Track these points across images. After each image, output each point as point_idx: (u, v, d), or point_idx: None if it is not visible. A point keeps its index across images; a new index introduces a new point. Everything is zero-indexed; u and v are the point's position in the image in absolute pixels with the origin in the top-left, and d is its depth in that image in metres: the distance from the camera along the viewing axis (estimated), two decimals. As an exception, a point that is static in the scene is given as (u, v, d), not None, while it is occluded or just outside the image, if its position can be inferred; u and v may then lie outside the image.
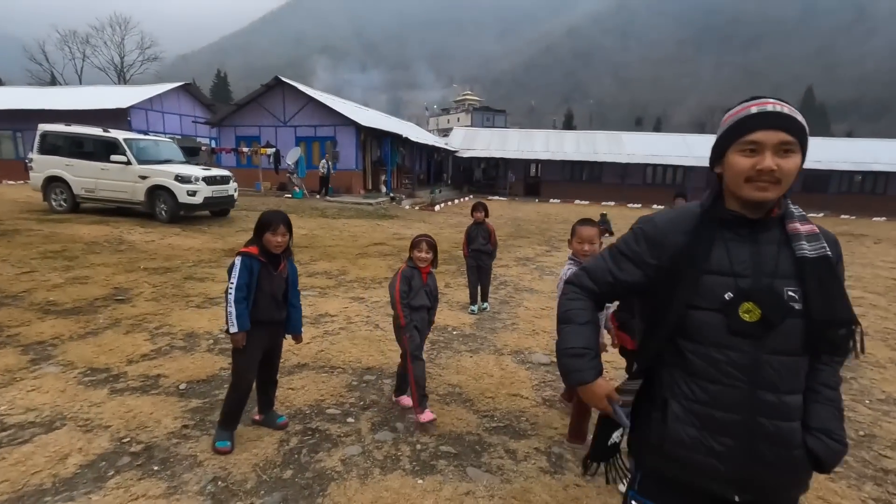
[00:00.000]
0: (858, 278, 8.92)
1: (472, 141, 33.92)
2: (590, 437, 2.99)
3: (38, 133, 11.48)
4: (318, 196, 18.10)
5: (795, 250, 1.21)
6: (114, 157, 10.66)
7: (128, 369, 3.76)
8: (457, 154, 31.75)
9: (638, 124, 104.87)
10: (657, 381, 1.32)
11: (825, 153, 29.08)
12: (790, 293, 1.18)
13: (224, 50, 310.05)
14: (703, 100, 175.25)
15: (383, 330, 4.89)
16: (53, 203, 11.44)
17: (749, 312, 1.17)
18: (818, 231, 1.24)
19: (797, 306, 1.17)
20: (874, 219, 24.91)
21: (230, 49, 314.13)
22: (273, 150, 18.03)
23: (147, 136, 12.81)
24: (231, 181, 11.99)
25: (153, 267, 7.05)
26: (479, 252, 5.64)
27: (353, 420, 3.18)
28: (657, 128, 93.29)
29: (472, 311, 5.68)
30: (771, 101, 1.20)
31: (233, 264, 2.67)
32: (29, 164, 11.70)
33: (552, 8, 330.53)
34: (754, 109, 1.19)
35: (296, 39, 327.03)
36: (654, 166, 30.24)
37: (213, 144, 22.67)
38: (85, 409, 3.15)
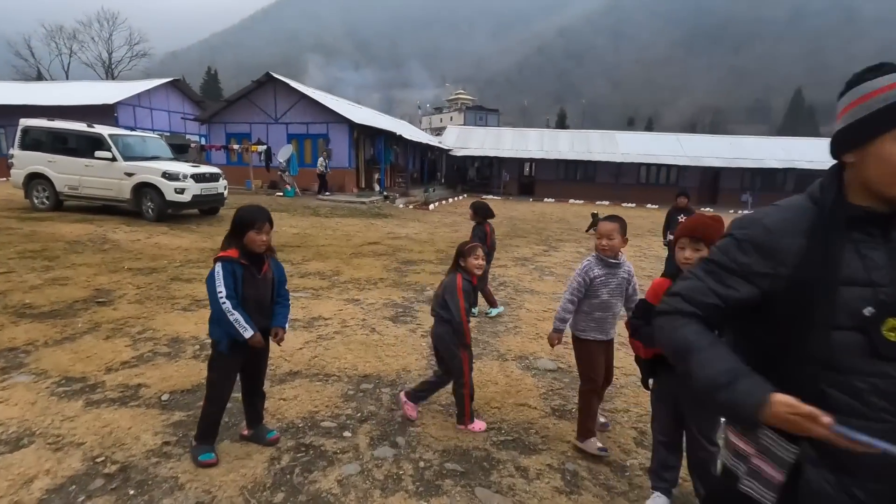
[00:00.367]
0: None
1: (466, 140, 33.70)
2: (596, 443, 2.79)
3: (20, 128, 11.09)
4: (319, 195, 17.84)
5: None
6: (98, 154, 10.31)
7: (106, 378, 3.49)
8: (451, 153, 31.51)
9: (630, 124, 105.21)
10: None
11: (818, 153, 29.21)
12: None
13: (215, 47, 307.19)
14: (694, 100, 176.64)
15: (380, 334, 4.66)
16: (35, 201, 11.06)
17: (895, 330, 0.96)
18: None
19: None
20: (866, 219, 25.00)
21: (221, 46, 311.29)
22: (264, 147, 17.69)
23: (133, 132, 12.43)
24: (221, 179, 11.68)
25: (138, 267, 6.75)
26: None
27: (349, 434, 2.94)
28: (649, 128, 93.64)
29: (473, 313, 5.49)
30: None
31: (212, 272, 2.41)
32: (10, 161, 11.30)
33: (544, 8, 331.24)
34: None
35: (288, 37, 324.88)
36: (648, 166, 30.20)
37: (203, 141, 22.25)
38: (56, 423, 2.88)
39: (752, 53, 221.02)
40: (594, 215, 14.04)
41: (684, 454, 2.35)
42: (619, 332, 3.26)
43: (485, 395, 3.51)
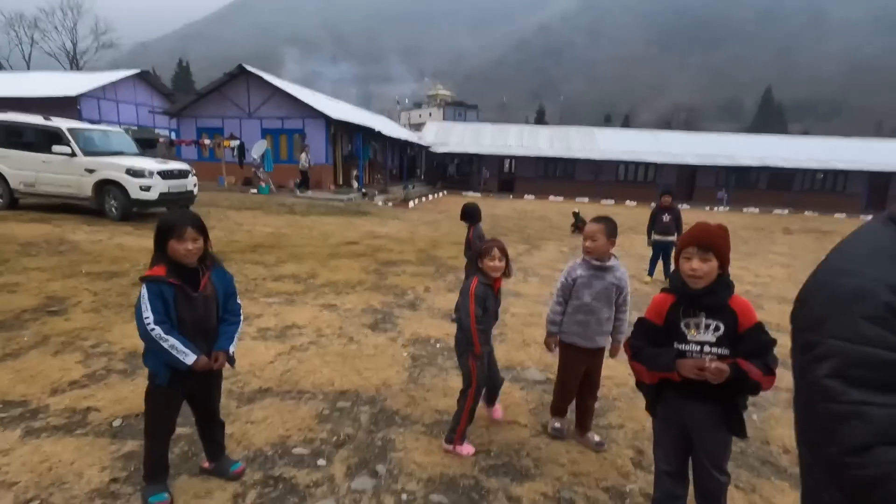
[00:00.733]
0: (838, 277, 8.90)
1: (445, 136, 33.41)
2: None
3: (-30, 121, 10.35)
4: (299, 192, 17.39)
5: None
6: (56, 149, 9.68)
7: (50, 402, 3.13)
8: (430, 149, 31.19)
9: (607, 121, 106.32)
10: None
11: (790, 151, 29.92)
12: None
13: (187, 38, 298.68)
14: (669, 98, 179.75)
15: (358, 344, 4.38)
16: (-13, 199, 10.36)
17: None
18: None
19: None
20: (835, 215, 25.72)
21: (193, 38, 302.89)
22: (237, 142, 17.10)
23: (95, 126, 11.78)
24: (190, 175, 11.14)
25: (97, 271, 6.30)
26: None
27: (324, 462, 2.67)
28: (625, 125, 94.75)
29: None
30: None
31: (140, 297, 2.06)
32: (-40, 156, 10.56)
33: (524, 4, 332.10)
34: None
35: (263, 29, 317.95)
36: (627, 163, 30.45)
37: (173, 136, 21.44)
38: (-14, 459, 2.53)
39: (724, 53, 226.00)
40: (576, 214, 13.97)
41: (690, 483, 2.15)
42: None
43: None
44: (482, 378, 2.79)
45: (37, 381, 3.37)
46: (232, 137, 18.06)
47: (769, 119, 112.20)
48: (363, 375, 3.75)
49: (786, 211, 26.61)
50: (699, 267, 1.84)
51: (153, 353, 2.11)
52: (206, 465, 2.51)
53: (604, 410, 3.38)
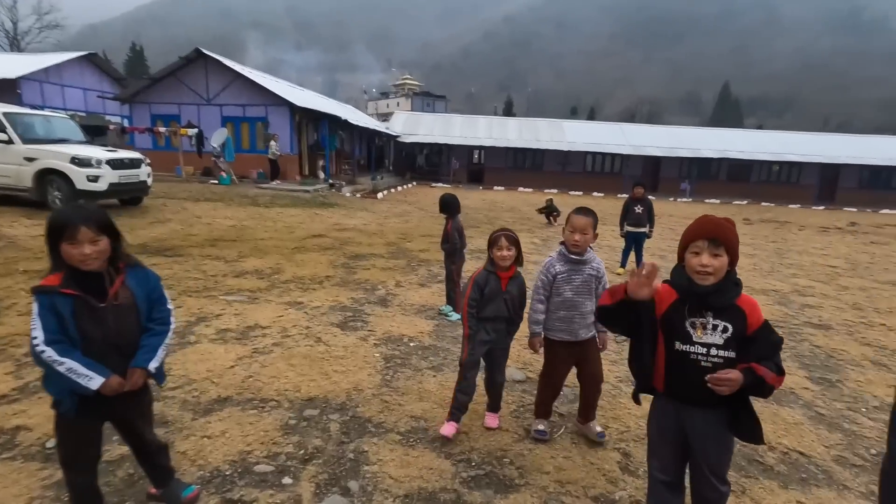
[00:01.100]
0: (800, 266, 9.16)
1: (414, 126, 32.96)
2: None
3: None
4: (270, 182, 16.81)
5: None
6: (-10, 135, 8.89)
7: (-28, 421, 2.75)
8: (399, 139, 30.70)
9: (573, 113, 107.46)
10: None
11: (748, 144, 30.97)
12: None
13: (140, 21, 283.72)
14: (632, 92, 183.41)
15: (326, 345, 4.11)
16: (-88, 189, 9.43)
17: None
18: None
19: None
20: (790, 206, 26.80)
21: (147, 20, 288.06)
22: (195, 130, 16.25)
23: (37, 112, 10.91)
24: (143, 165, 10.47)
25: (36, 269, 5.76)
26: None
27: (290, 480, 2.42)
28: (591, 117, 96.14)
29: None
30: None
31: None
32: None
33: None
34: None
35: (222, 13, 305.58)
36: (594, 154, 30.81)
37: (126, 123, 20.24)
38: None
39: (685, 48, 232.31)
40: (549, 202, 13.85)
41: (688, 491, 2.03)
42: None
43: (449, 417, 3.08)
44: (470, 361, 2.82)
45: (-43, 397, 2.97)
46: (189, 125, 17.18)
47: (726, 113, 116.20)
48: (332, 379, 3.50)
49: (745, 201, 27.54)
50: (710, 263, 1.68)
51: (53, 378, 1.72)
52: (154, 491, 2.23)
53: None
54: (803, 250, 11.19)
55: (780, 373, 1.69)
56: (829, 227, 16.67)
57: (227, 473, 2.44)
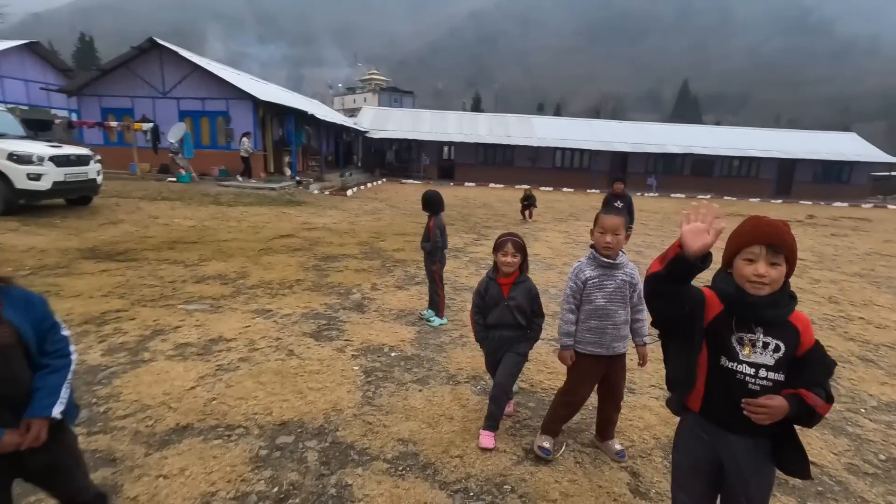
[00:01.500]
0: (771, 260, 9.29)
1: (383, 121, 32.39)
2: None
3: None
4: (239, 179, 16.15)
5: None
6: (-88, 129, 8.01)
7: None
8: (367, 135, 30.07)
9: (540, 110, 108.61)
10: None
11: (710, 140, 31.84)
12: None
13: (89, 10, 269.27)
14: (597, 88, 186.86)
15: (300, 358, 3.75)
16: None
17: None
18: None
19: None
20: (750, 200, 27.69)
21: (97, 10, 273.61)
22: (150, 125, 15.33)
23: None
24: (92, 161, 9.70)
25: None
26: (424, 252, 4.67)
27: (263, 527, 2.08)
28: (557, 113, 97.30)
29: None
30: None
31: None
32: None
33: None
34: None
35: (179, 4, 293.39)
36: (563, 150, 31.02)
37: (75, 117, 18.97)
38: None
39: (646, 46, 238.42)
40: (528, 193, 13.40)
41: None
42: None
43: (439, 438, 2.79)
44: (491, 367, 2.85)
45: None
46: (144, 119, 16.21)
47: (686, 110, 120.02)
48: (307, 399, 3.15)
49: (708, 196, 28.28)
50: (767, 272, 1.44)
51: None
52: (96, 553, 1.84)
53: (588, 424, 3.02)
54: (771, 243, 11.41)
55: (830, 400, 1.47)
56: (790, 220, 17.14)
57: (187, 522, 2.08)
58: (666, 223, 14.41)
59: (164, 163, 16.45)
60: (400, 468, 2.52)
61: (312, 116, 20.49)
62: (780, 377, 1.49)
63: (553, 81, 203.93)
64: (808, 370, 1.48)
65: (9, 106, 15.36)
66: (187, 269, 6.17)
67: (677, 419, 1.65)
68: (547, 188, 27.95)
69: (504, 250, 2.66)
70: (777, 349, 1.48)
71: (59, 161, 8.80)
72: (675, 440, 1.77)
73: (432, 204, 4.53)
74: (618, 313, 2.48)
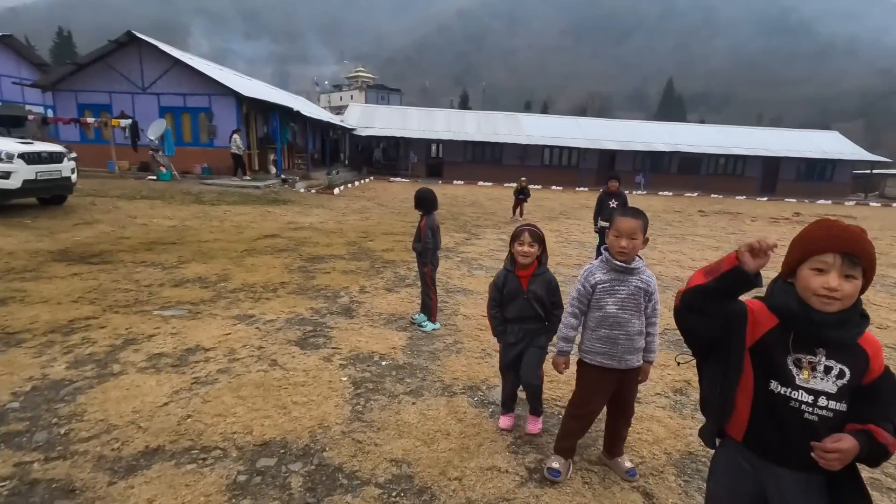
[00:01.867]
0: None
1: (370, 119, 32.02)
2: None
3: None
4: (234, 178, 15.78)
5: None
6: None
7: None
8: (354, 132, 29.69)
9: (527, 108, 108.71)
10: None
11: (697, 138, 32.04)
12: None
13: (69, 4, 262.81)
14: (583, 87, 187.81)
15: (283, 369, 3.50)
16: None
17: None
18: None
19: None
20: (737, 197, 27.92)
21: (77, 4, 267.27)
22: (128, 121, 14.85)
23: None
24: (66, 159, 9.30)
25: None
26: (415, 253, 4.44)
27: (240, 569, 1.85)
28: (544, 112, 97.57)
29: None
30: None
31: None
32: None
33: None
34: None
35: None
36: (552, 148, 30.97)
37: (51, 114, 18.34)
38: None
39: (631, 45, 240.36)
40: (522, 182, 13.08)
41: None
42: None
43: (436, 458, 2.57)
44: (503, 364, 2.79)
45: None
46: (122, 116, 15.70)
47: (671, 108, 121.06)
48: (292, 415, 2.91)
49: (695, 193, 28.46)
50: (840, 286, 1.23)
51: None
52: None
53: (594, 438, 2.83)
54: (762, 241, 11.40)
55: None
56: (778, 218, 17.31)
57: (153, 566, 1.84)
58: (656, 221, 14.34)
59: (144, 160, 15.97)
60: (393, 493, 2.30)
61: (298, 113, 20.09)
62: (843, 407, 1.29)
63: (540, 80, 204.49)
64: (877, 401, 1.28)
65: (-21, 101, 14.75)
66: (165, 272, 5.87)
67: (689, 431, 1.48)
68: (536, 186, 27.83)
69: (521, 240, 2.57)
70: (841, 375, 1.29)
71: (30, 158, 8.41)
72: (711, 467, 1.57)
73: (425, 203, 4.30)
74: (631, 322, 2.28)
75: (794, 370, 1.31)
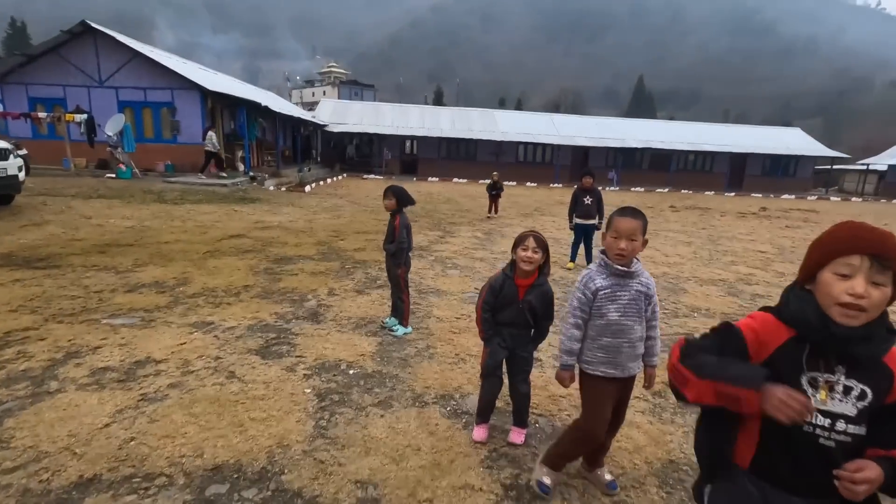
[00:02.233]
0: (734, 253, 9.35)
1: (342, 115, 31.46)
2: None
3: None
4: (201, 175, 15.19)
5: None
6: None
7: None
8: (326, 128, 29.10)
9: (501, 104, 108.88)
10: None
11: (667, 134, 32.61)
12: None
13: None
14: (556, 84, 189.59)
15: (242, 381, 3.25)
16: None
17: None
18: None
19: None
20: (706, 193, 28.53)
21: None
22: (84, 116, 14.10)
23: None
24: (11, 156, 8.72)
25: None
26: (386, 253, 4.21)
27: None
28: (518, 108, 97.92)
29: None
30: None
31: None
32: None
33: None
34: None
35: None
36: (526, 144, 31.03)
37: (0, 108, 17.31)
38: None
39: (603, 43, 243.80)
40: (495, 178, 12.89)
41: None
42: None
43: (405, 477, 2.39)
44: (489, 365, 2.66)
45: None
46: (78, 110, 14.92)
47: (641, 105, 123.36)
48: (249, 433, 2.68)
49: (666, 189, 28.96)
50: (868, 293, 1.08)
51: None
52: None
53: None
54: (732, 236, 11.58)
55: None
56: (745, 213, 17.70)
57: None
58: (629, 217, 14.44)
59: (102, 158, 15.23)
60: (358, 522, 2.10)
61: (267, 108, 19.50)
62: (862, 431, 1.16)
63: (514, 76, 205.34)
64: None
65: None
66: (118, 277, 5.50)
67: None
68: (510, 183, 27.87)
69: (525, 244, 2.44)
70: (862, 396, 1.15)
71: (-30, 155, 7.83)
72: (710, 495, 1.40)
73: (403, 198, 4.07)
74: (633, 329, 2.13)
75: (810, 390, 1.16)
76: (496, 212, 12.99)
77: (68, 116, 14.20)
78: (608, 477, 2.39)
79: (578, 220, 7.07)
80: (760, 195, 28.82)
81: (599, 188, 7.18)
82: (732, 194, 28.89)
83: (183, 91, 16.45)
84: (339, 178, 25.33)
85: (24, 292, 4.77)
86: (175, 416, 2.80)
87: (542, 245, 2.47)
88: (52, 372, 3.24)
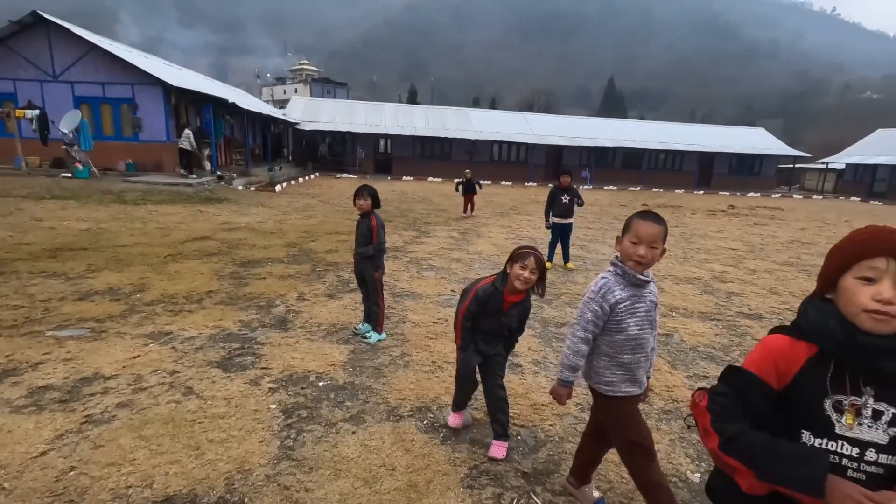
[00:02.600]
0: (707, 250, 9.46)
1: (314, 112, 30.83)
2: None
3: None
4: (181, 172, 14.56)
5: None
6: None
7: None
8: (298, 127, 28.46)
9: (475, 103, 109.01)
10: None
11: (638, 134, 33.17)
12: None
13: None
14: (529, 83, 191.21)
15: (201, 397, 2.99)
16: None
17: None
18: None
19: None
20: (676, 191, 29.11)
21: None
22: (35, 112, 13.32)
23: None
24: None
25: None
26: (359, 257, 3.97)
27: None
28: (492, 107, 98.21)
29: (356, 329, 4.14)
30: None
31: None
32: None
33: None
34: None
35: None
36: (500, 143, 31.05)
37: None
38: None
39: (574, 44, 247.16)
40: (467, 175, 12.76)
41: None
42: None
43: (380, 502, 2.19)
44: (464, 370, 2.61)
45: None
46: (29, 106, 14.09)
47: (612, 105, 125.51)
48: (205, 458, 2.43)
49: (638, 188, 29.43)
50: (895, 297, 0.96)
51: None
52: None
53: (557, 463, 2.54)
54: (705, 234, 11.75)
55: None
56: (715, 211, 18.07)
57: None
58: (603, 216, 14.55)
59: (57, 156, 14.42)
60: (326, 557, 1.90)
61: (234, 105, 18.88)
62: (893, 461, 1.03)
63: (488, 75, 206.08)
64: None
65: None
66: (69, 283, 5.12)
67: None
68: (485, 182, 27.84)
69: (524, 263, 2.34)
70: (894, 422, 1.02)
71: None
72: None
73: (377, 197, 3.87)
74: (648, 342, 1.97)
75: (834, 415, 1.03)
76: (472, 211, 12.87)
77: (19, 112, 13.39)
78: (596, 494, 2.26)
79: (556, 219, 6.99)
80: (728, 193, 29.59)
81: (574, 186, 7.10)
82: (701, 192, 29.57)
83: (145, 87, 15.74)
84: (312, 177, 24.81)
85: (-41, 303, 4.36)
86: (123, 439, 2.54)
87: (542, 266, 2.38)
88: (-17, 393, 2.92)
